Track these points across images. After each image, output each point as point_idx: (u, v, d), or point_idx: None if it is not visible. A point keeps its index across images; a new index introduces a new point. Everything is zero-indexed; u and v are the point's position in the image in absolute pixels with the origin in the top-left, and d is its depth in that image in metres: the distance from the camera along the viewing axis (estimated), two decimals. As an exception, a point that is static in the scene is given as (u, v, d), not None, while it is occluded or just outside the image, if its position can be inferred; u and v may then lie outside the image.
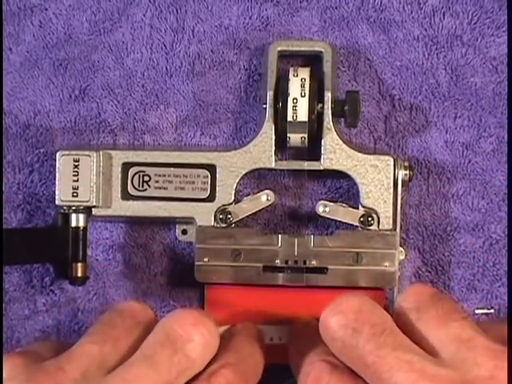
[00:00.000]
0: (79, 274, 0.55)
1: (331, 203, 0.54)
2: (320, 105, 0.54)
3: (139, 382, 0.44)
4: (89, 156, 0.54)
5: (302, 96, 0.53)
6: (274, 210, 0.57)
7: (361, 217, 0.54)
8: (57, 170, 0.54)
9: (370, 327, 0.45)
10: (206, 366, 0.47)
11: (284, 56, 0.56)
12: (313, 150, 0.55)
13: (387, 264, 0.53)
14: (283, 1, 0.57)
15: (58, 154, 0.54)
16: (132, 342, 0.48)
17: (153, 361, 0.45)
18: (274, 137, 0.54)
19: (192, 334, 0.46)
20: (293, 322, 0.55)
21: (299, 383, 0.48)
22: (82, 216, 0.55)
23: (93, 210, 0.55)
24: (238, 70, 0.57)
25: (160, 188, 0.55)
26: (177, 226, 0.57)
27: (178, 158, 0.55)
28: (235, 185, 0.55)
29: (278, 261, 0.54)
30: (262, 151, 0.55)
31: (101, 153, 0.54)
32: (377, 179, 0.54)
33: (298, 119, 0.53)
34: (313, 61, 0.56)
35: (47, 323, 0.57)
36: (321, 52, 0.55)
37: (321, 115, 0.54)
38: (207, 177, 0.55)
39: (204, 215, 0.55)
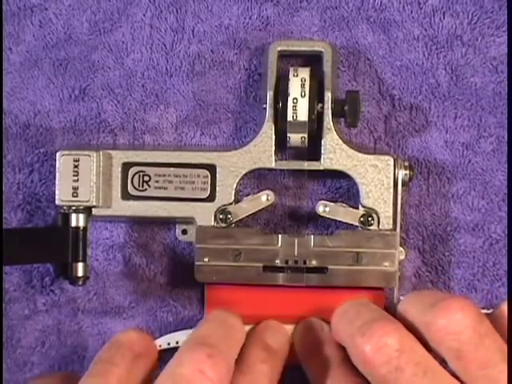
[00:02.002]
0: (79, 274, 0.55)
1: (331, 203, 0.54)
2: (320, 105, 0.54)
3: None
4: (89, 156, 0.54)
5: (301, 96, 0.53)
6: (274, 210, 0.57)
7: (361, 217, 0.54)
8: (57, 170, 0.54)
9: (413, 366, 0.45)
10: None
11: (284, 56, 0.56)
12: (313, 150, 0.55)
13: (387, 264, 0.53)
14: (283, 1, 0.57)
15: (58, 154, 0.54)
16: (135, 376, 0.48)
17: None
18: (273, 137, 0.54)
19: (199, 379, 0.45)
20: (297, 323, 0.55)
21: None
22: (81, 216, 0.55)
23: (93, 210, 0.55)
24: (238, 69, 0.57)
25: (160, 188, 0.55)
26: (177, 226, 0.57)
27: (178, 158, 0.55)
28: (235, 185, 0.55)
29: (278, 261, 0.54)
30: (262, 151, 0.55)
31: (101, 153, 0.54)
32: (377, 179, 0.54)
33: (298, 119, 0.53)
34: (313, 61, 0.56)
35: (47, 323, 0.57)
36: (321, 52, 0.55)
37: (321, 115, 0.54)
38: (207, 177, 0.55)
39: (204, 215, 0.55)
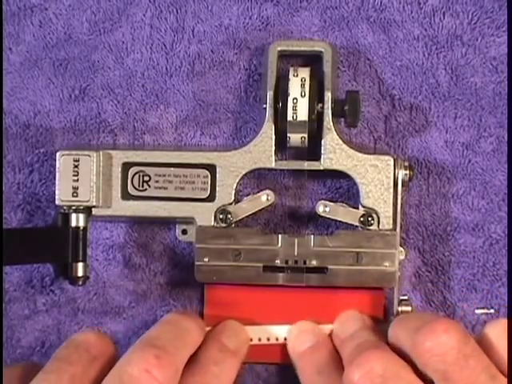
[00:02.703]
0: (79, 274, 0.55)
1: (331, 203, 0.54)
2: (320, 105, 0.54)
3: None
4: (89, 156, 0.54)
5: (301, 96, 0.53)
6: (274, 210, 0.57)
7: (361, 217, 0.54)
8: (57, 170, 0.54)
9: None
10: None
11: (284, 56, 0.56)
12: (313, 150, 0.55)
13: (387, 264, 0.53)
14: (283, 1, 0.57)
15: (58, 154, 0.54)
16: (89, 379, 0.48)
17: None
18: (274, 137, 0.54)
19: (145, 380, 0.46)
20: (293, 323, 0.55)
21: None
22: (81, 216, 0.55)
23: (93, 210, 0.55)
24: (238, 69, 0.57)
25: (160, 188, 0.55)
26: (177, 226, 0.57)
27: (178, 157, 0.55)
28: (235, 185, 0.55)
29: (278, 261, 0.54)
30: (262, 151, 0.55)
31: (101, 153, 0.54)
32: (377, 179, 0.54)
33: (298, 119, 0.53)
34: (313, 61, 0.56)
35: (47, 323, 0.57)
36: (321, 52, 0.55)
37: (321, 115, 0.54)
38: (207, 177, 0.55)
39: (204, 215, 0.55)
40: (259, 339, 0.55)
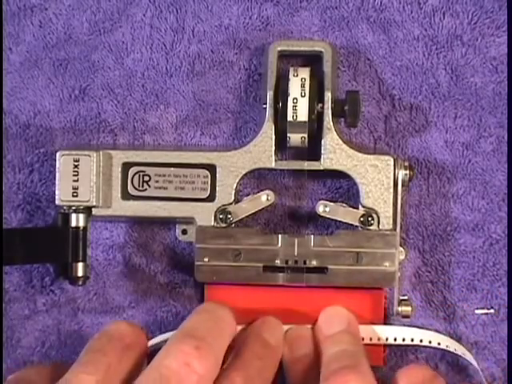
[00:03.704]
0: (79, 274, 0.55)
1: (331, 203, 0.54)
2: (320, 105, 0.54)
3: None
4: (89, 156, 0.54)
5: (301, 96, 0.53)
6: (274, 210, 0.57)
7: (361, 217, 0.54)
8: (57, 170, 0.54)
9: None
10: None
11: (284, 56, 0.56)
12: (313, 150, 0.55)
13: (387, 264, 0.53)
14: (283, 1, 0.57)
15: (58, 154, 0.54)
16: (125, 368, 0.48)
17: None
18: (274, 137, 0.54)
19: (186, 373, 0.45)
20: (297, 323, 0.55)
21: None
22: (82, 216, 0.55)
23: (93, 210, 0.55)
24: (238, 69, 0.57)
25: (160, 188, 0.55)
26: (177, 226, 0.57)
27: (178, 157, 0.55)
28: (235, 185, 0.55)
29: (278, 261, 0.54)
30: (262, 151, 0.55)
31: (101, 153, 0.54)
32: (377, 179, 0.54)
33: (298, 119, 0.53)
34: (313, 61, 0.56)
35: (47, 323, 0.57)
36: (321, 52, 0.55)
37: (321, 115, 0.54)
38: (207, 177, 0.55)
39: (204, 215, 0.55)
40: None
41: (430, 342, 0.55)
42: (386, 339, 0.54)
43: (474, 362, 0.54)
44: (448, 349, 0.54)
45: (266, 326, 0.53)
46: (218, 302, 0.53)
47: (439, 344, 0.55)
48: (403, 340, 0.55)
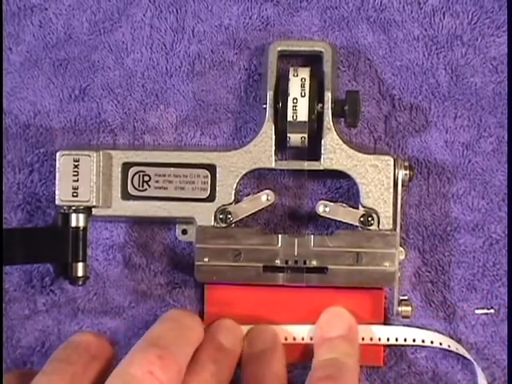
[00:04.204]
0: (79, 274, 0.55)
1: (331, 203, 0.54)
2: (320, 105, 0.54)
3: None
4: (89, 156, 0.54)
5: (302, 96, 0.53)
6: (274, 210, 0.57)
7: (361, 217, 0.54)
8: (57, 170, 0.54)
9: None
10: None
11: (284, 56, 0.56)
12: (313, 150, 0.55)
13: (387, 264, 0.53)
14: (283, 1, 0.57)
15: (58, 154, 0.54)
16: (89, 378, 0.48)
17: None
18: (273, 137, 0.54)
19: (148, 380, 0.46)
20: (297, 323, 0.55)
21: None
22: (82, 216, 0.55)
23: (93, 209, 0.55)
24: (238, 69, 0.57)
25: (160, 188, 0.55)
26: (177, 226, 0.57)
27: (178, 157, 0.55)
28: (235, 185, 0.55)
29: (278, 261, 0.54)
30: (262, 151, 0.55)
31: (101, 153, 0.54)
32: (377, 179, 0.54)
33: (298, 119, 0.53)
34: (313, 61, 0.56)
35: (47, 323, 0.57)
36: (321, 52, 0.55)
37: (321, 115, 0.54)
38: (207, 177, 0.55)
39: (204, 215, 0.55)
40: (259, 339, 0.55)
41: (432, 343, 0.55)
42: (387, 339, 0.55)
43: (475, 363, 0.54)
44: (450, 348, 0.55)
45: (221, 328, 0.53)
46: (184, 310, 0.54)
47: (441, 344, 0.55)
48: (405, 340, 0.55)
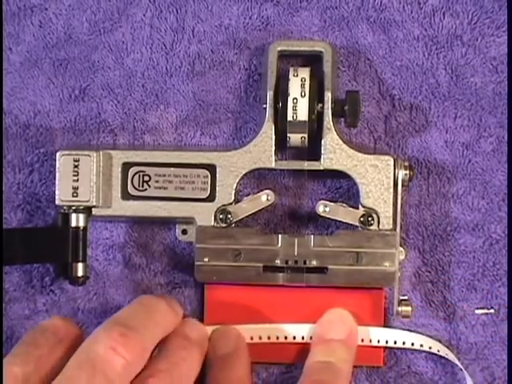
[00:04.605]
0: (79, 274, 0.55)
1: (331, 203, 0.54)
2: (320, 105, 0.54)
3: None
4: (89, 156, 0.54)
5: (301, 96, 0.53)
6: (274, 210, 0.57)
7: (361, 217, 0.54)
8: (57, 170, 0.54)
9: None
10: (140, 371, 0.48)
11: (284, 56, 0.56)
12: (313, 150, 0.55)
13: (387, 264, 0.53)
14: (283, 1, 0.57)
15: (58, 154, 0.54)
16: (55, 359, 0.49)
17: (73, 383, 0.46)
18: (273, 137, 0.54)
19: (111, 356, 0.46)
20: (297, 323, 0.55)
21: None
22: (82, 216, 0.55)
23: (93, 210, 0.55)
24: (238, 69, 0.57)
25: (160, 188, 0.55)
26: (177, 226, 0.57)
27: (178, 157, 0.55)
28: (235, 185, 0.55)
29: (278, 261, 0.54)
30: (262, 151, 0.55)
31: (101, 153, 0.54)
32: (377, 179, 0.54)
33: (298, 119, 0.53)
34: (313, 61, 0.56)
35: (47, 323, 0.57)
36: (321, 52, 0.55)
37: (321, 115, 0.54)
38: (207, 177, 0.55)
39: (204, 215, 0.55)
40: (260, 338, 0.55)
41: (430, 348, 0.55)
42: (386, 342, 0.55)
43: (466, 372, 0.55)
44: (447, 357, 0.55)
45: (186, 323, 0.53)
46: (159, 295, 0.54)
47: (438, 351, 0.55)
48: (403, 343, 0.55)
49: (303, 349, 0.55)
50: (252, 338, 0.55)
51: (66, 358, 0.48)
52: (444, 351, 0.55)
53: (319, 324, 0.54)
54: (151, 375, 0.48)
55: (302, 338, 0.55)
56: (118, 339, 0.47)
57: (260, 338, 0.55)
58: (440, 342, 0.55)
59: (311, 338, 0.55)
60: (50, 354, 0.49)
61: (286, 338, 0.55)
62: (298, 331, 0.55)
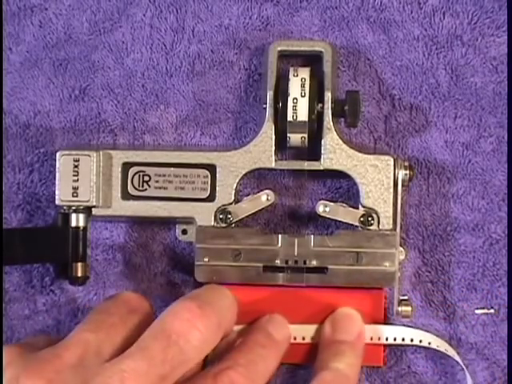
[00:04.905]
0: (79, 274, 0.55)
1: (331, 203, 0.54)
2: (320, 105, 0.54)
3: (134, 373, 0.45)
4: (89, 156, 0.54)
5: (302, 96, 0.53)
6: (274, 210, 0.57)
7: (361, 217, 0.54)
8: (57, 170, 0.54)
9: None
10: (216, 363, 0.48)
11: (284, 56, 0.56)
12: (313, 150, 0.55)
13: (387, 264, 0.53)
14: (283, 1, 0.57)
15: (58, 154, 0.54)
16: (127, 328, 0.49)
17: (147, 354, 0.46)
18: (273, 137, 0.54)
19: (187, 328, 0.47)
20: (297, 323, 0.55)
21: None
22: (82, 216, 0.55)
23: (93, 210, 0.55)
24: (238, 69, 0.57)
25: (160, 188, 0.55)
26: (177, 226, 0.57)
27: (178, 157, 0.55)
28: (235, 185, 0.55)
29: (278, 261, 0.54)
30: (262, 151, 0.55)
31: (101, 153, 0.54)
32: (377, 179, 0.54)
33: (298, 119, 0.53)
34: (313, 61, 0.56)
35: (47, 323, 0.57)
36: (321, 52, 0.55)
37: (321, 115, 0.54)
38: (207, 177, 0.55)
39: (204, 215, 0.55)
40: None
41: (429, 344, 0.55)
42: (386, 339, 0.55)
43: (466, 370, 0.55)
44: (447, 352, 0.55)
45: (271, 321, 0.53)
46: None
47: (438, 346, 0.55)
48: (403, 340, 0.55)
49: (303, 349, 0.55)
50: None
51: (137, 329, 0.49)
52: (444, 346, 0.54)
53: (328, 323, 0.54)
54: (231, 367, 0.48)
55: (303, 338, 0.55)
56: (196, 311, 0.47)
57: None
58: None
59: (312, 338, 0.55)
60: (123, 323, 0.49)
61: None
62: (299, 332, 0.55)
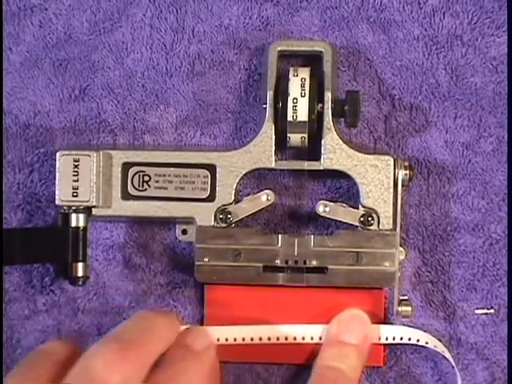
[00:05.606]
0: (79, 274, 0.55)
1: (331, 203, 0.54)
2: (320, 105, 0.54)
3: None
4: (89, 156, 0.54)
5: (302, 96, 0.53)
6: (274, 210, 0.57)
7: (361, 217, 0.54)
8: (57, 170, 0.54)
9: None
10: None
11: (284, 56, 0.56)
12: (313, 150, 0.55)
13: (387, 264, 0.53)
14: (283, 1, 0.57)
15: (58, 154, 0.54)
16: (52, 379, 0.48)
17: None
18: (273, 137, 0.54)
19: (108, 372, 0.45)
20: (297, 323, 0.55)
21: None
22: (82, 216, 0.55)
23: (93, 209, 0.55)
24: (238, 69, 0.57)
25: (160, 188, 0.55)
26: (177, 226, 0.57)
27: (178, 157, 0.55)
28: (235, 185, 0.55)
29: (278, 261, 0.54)
30: (262, 151, 0.55)
31: (101, 153, 0.54)
32: (377, 179, 0.54)
33: (298, 119, 0.53)
34: (313, 61, 0.56)
35: (47, 323, 0.57)
36: (321, 52, 0.55)
37: (321, 115, 0.54)
38: (207, 177, 0.55)
39: (204, 215, 0.55)
40: (260, 339, 0.55)
41: (426, 343, 0.55)
42: (386, 339, 0.55)
43: (457, 370, 0.55)
44: (444, 354, 0.55)
45: (189, 332, 0.52)
46: (157, 310, 0.54)
47: (436, 347, 0.55)
48: (401, 339, 0.55)
49: (304, 349, 0.55)
50: (252, 339, 0.55)
51: (63, 377, 0.47)
52: (441, 348, 0.55)
53: (335, 322, 0.54)
54: None
55: (303, 338, 0.55)
56: (116, 354, 0.46)
57: (260, 338, 0.55)
58: (440, 341, 0.55)
59: (312, 338, 0.55)
60: (47, 374, 0.48)
61: (286, 338, 0.55)
62: (299, 332, 0.55)
